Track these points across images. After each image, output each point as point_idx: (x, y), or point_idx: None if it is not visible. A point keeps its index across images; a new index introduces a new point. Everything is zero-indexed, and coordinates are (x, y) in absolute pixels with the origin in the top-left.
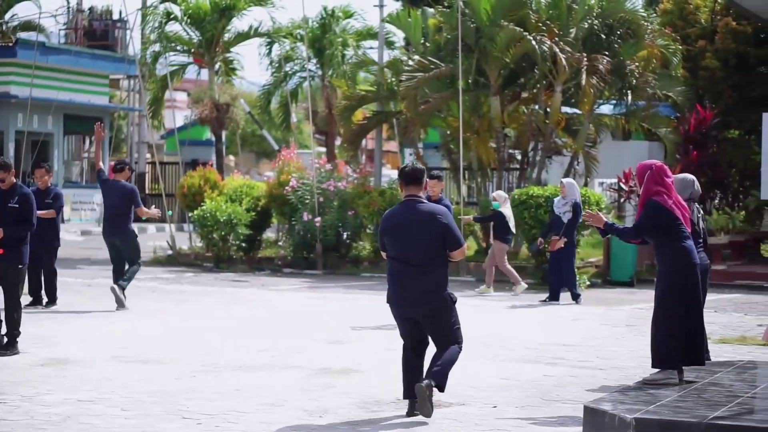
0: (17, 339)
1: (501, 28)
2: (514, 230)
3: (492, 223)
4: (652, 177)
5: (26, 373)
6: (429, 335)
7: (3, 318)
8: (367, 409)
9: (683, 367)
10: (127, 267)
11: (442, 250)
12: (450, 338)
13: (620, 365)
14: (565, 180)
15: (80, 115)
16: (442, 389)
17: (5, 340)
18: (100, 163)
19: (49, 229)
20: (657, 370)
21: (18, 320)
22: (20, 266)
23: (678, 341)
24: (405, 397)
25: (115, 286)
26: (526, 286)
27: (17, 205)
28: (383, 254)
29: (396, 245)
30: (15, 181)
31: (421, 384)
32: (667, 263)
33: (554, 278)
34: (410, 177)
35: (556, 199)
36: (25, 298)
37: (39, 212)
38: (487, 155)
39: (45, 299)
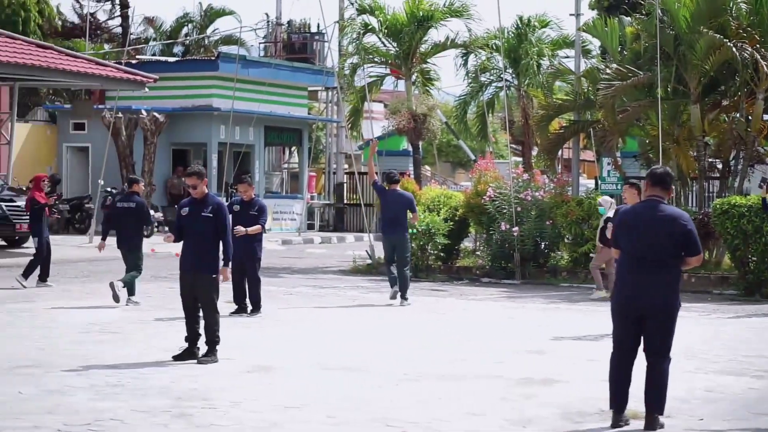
0: (216, 347)
1: (700, 35)
2: None
3: (600, 228)
4: None
5: (233, 379)
6: (646, 338)
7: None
8: (570, 419)
9: None
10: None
11: (680, 253)
12: (666, 344)
13: None
14: None
15: (280, 127)
16: (662, 413)
17: (203, 349)
18: (375, 175)
19: (252, 239)
20: None
21: (216, 329)
22: (213, 276)
23: None
24: (611, 408)
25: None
26: (606, 295)
27: (211, 215)
28: (614, 252)
29: (633, 241)
30: (207, 190)
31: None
32: None
33: None
34: (658, 178)
35: None
36: (231, 307)
37: (249, 229)
38: (687, 164)
39: (249, 307)
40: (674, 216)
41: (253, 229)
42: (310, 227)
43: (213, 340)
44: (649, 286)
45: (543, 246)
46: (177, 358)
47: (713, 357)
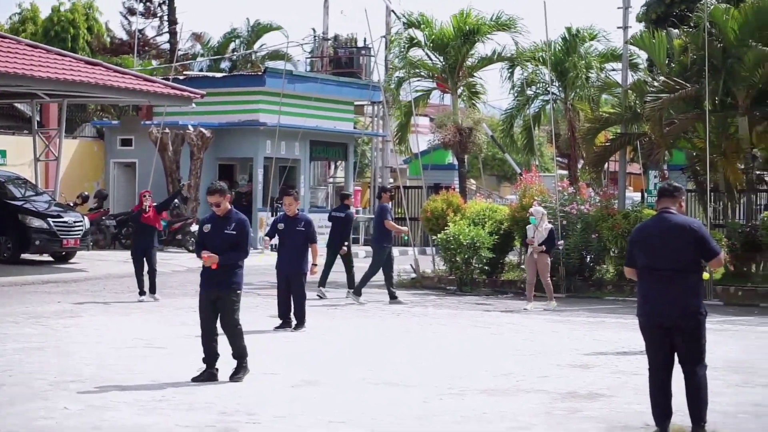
0: (245, 361)
1: (749, 47)
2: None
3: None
4: None
5: (278, 394)
6: (678, 348)
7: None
8: None
9: None
10: None
11: (697, 259)
12: (699, 351)
13: None
14: None
15: (326, 141)
16: (705, 421)
17: (231, 366)
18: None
19: (298, 254)
20: None
21: (242, 346)
22: (238, 291)
23: None
24: (655, 422)
25: None
26: (556, 304)
27: (234, 232)
28: (627, 270)
29: (651, 254)
30: (230, 207)
31: None
32: None
33: None
34: (665, 191)
35: None
36: (276, 321)
37: (313, 256)
38: (735, 177)
39: (294, 322)
40: (684, 223)
41: (314, 250)
42: (355, 241)
43: (241, 355)
44: (671, 296)
45: (588, 259)
46: (196, 379)
47: (760, 370)
